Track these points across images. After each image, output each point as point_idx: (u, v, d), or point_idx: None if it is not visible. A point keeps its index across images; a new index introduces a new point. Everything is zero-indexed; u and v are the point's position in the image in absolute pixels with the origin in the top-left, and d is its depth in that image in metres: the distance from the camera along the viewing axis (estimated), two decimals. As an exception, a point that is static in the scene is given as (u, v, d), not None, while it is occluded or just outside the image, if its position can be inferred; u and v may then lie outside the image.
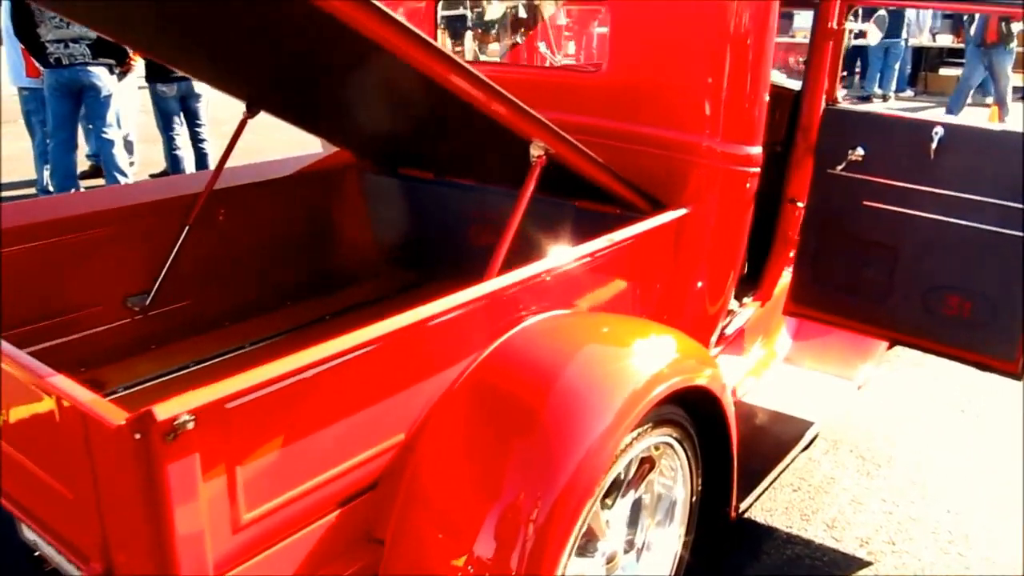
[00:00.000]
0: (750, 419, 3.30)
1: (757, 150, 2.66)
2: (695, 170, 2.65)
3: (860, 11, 3.46)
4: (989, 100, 13.01)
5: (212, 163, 7.24)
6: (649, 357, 2.09)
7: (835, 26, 3.20)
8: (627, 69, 2.74)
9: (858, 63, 14.94)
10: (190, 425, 1.37)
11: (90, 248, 2.63)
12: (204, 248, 2.88)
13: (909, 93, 14.25)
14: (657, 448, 2.22)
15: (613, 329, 2.25)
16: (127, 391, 2.44)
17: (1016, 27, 10.61)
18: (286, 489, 1.67)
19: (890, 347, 3.70)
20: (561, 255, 2.23)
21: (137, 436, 1.36)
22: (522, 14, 4.08)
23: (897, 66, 13.45)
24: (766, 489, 3.02)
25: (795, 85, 3.67)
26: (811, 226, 3.34)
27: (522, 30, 4.07)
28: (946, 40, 14.95)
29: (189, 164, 7.21)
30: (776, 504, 3.18)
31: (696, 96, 2.61)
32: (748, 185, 2.69)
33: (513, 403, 1.92)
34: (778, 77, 4.15)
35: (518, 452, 1.84)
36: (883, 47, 13.10)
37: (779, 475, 3.14)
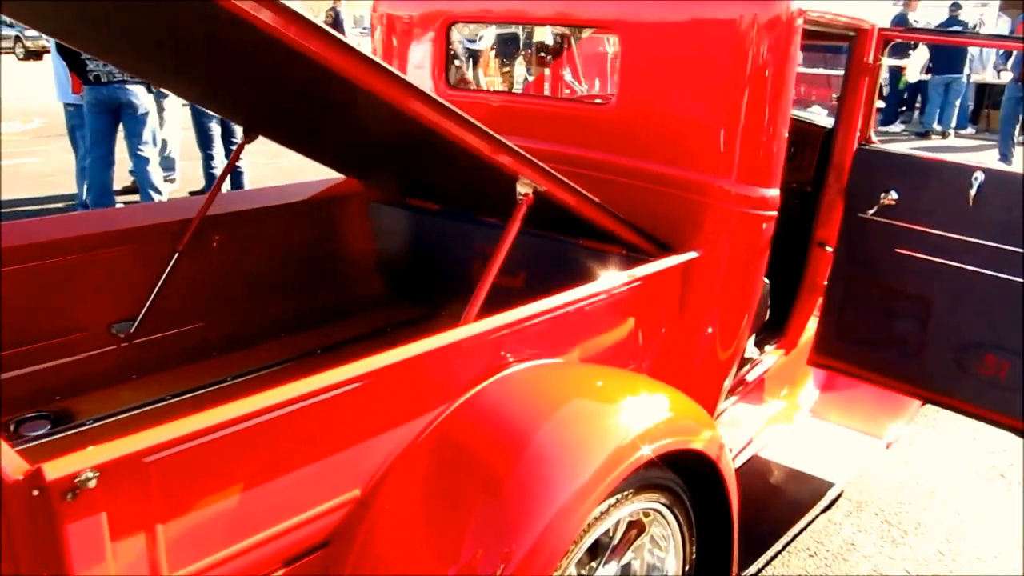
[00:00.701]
0: (766, 476, 3.10)
1: (774, 192, 2.48)
2: (706, 212, 2.48)
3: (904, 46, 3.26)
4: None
5: (248, 183, 7.25)
6: (635, 417, 1.93)
7: (871, 61, 3.01)
8: (637, 103, 2.59)
9: (918, 98, 14.57)
10: (92, 483, 1.25)
11: (77, 272, 2.56)
12: (196, 275, 2.79)
13: (970, 130, 13.80)
14: (647, 514, 2.04)
15: (600, 384, 2.09)
16: (96, 423, 2.35)
17: None
18: (222, 547, 1.54)
19: (924, 403, 3.46)
20: (549, 300, 2.08)
21: (35, 492, 1.24)
22: (548, 40, 3.96)
23: (958, 103, 13.03)
24: (777, 554, 2.81)
25: (829, 122, 3.49)
26: (840, 272, 3.14)
27: (548, 58, 3.94)
28: (1010, 77, 14.47)
29: (228, 183, 7.22)
30: (789, 570, 2.96)
31: (709, 133, 2.45)
32: (764, 229, 2.51)
33: (477, 462, 1.77)
34: (814, 114, 3.95)
35: (477, 516, 1.69)
36: (944, 82, 12.71)
37: (794, 538, 2.93)
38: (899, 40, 3.04)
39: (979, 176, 2.78)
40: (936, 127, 13.15)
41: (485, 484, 1.73)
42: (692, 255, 2.48)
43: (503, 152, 1.97)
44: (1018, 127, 11.02)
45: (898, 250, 2.98)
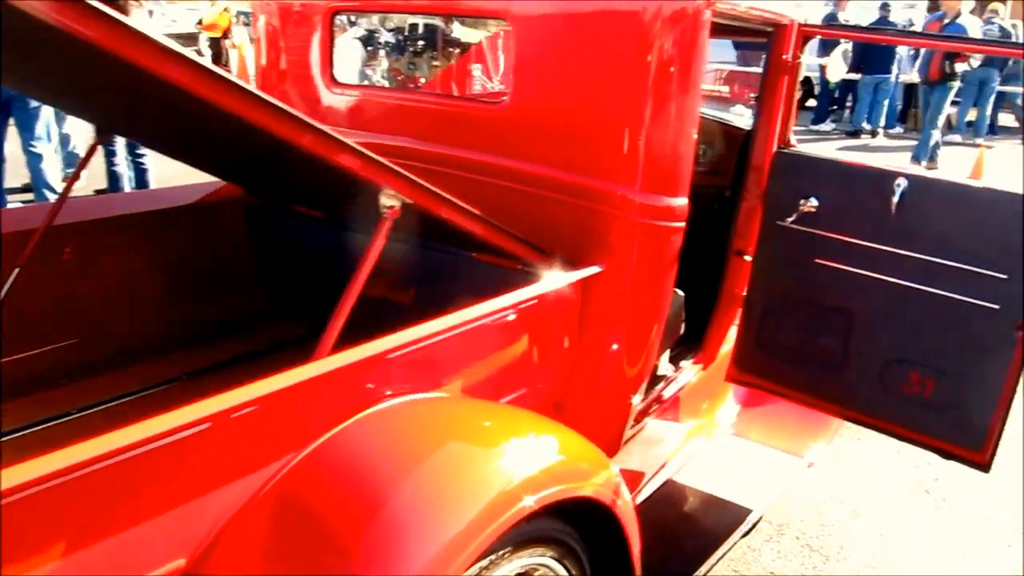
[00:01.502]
0: (680, 504, 2.89)
1: (682, 202, 2.26)
2: (609, 223, 2.25)
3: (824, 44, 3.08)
4: (980, 140, 12.74)
5: (154, 182, 6.84)
6: (517, 462, 1.68)
7: (790, 58, 2.82)
8: (532, 101, 2.35)
9: (849, 97, 14.67)
10: None
11: None
12: (44, 292, 2.47)
13: (899, 130, 13.94)
14: (535, 569, 1.80)
15: (478, 423, 1.84)
16: None
17: (960, 67, 10.61)
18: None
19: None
20: (423, 327, 1.83)
21: None
22: (457, 34, 3.70)
23: (887, 103, 13.13)
24: (691, 589, 2.61)
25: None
26: (758, 283, 2.95)
27: (455, 52, 3.68)
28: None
29: (131, 182, 6.81)
30: (705, 604, 2.76)
31: (610, 137, 2.22)
32: (672, 241, 2.29)
33: (324, 524, 1.51)
34: (736, 115, 3.76)
35: (320, 590, 1.43)
36: (874, 82, 12.79)
37: (710, 569, 2.73)
38: (819, 37, 2.85)
39: (902, 182, 2.61)
40: (866, 126, 13.23)
41: (332, 550, 1.47)
42: (593, 270, 2.25)
43: (362, 161, 1.71)
44: (939, 127, 11.04)
45: (818, 260, 2.79)
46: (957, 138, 13.17)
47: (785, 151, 2.85)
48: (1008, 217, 2.47)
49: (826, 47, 12.23)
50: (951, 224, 2.57)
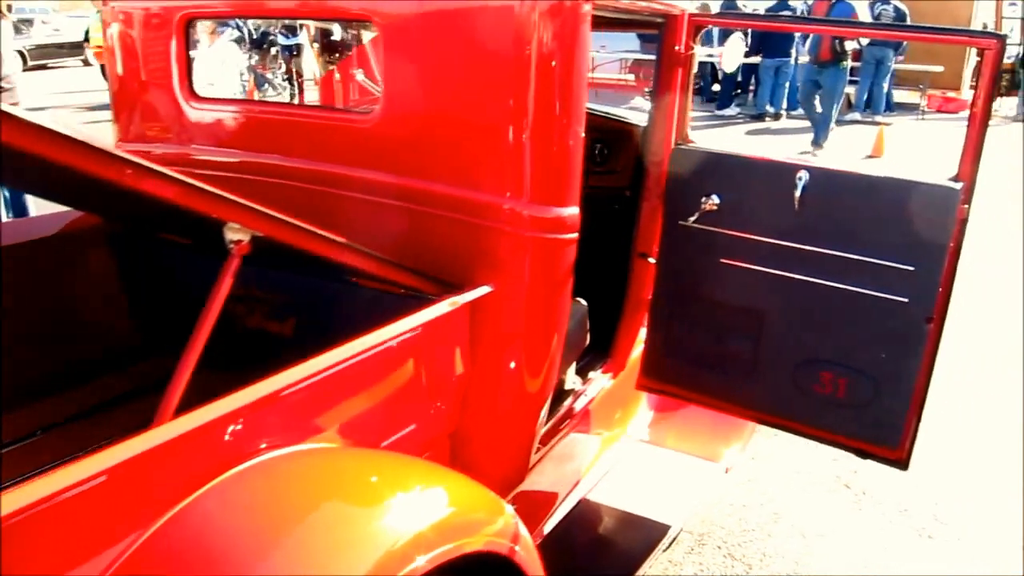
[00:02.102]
0: (595, 525, 2.75)
1: (573, 211, 2.10)
2: (495, 239, 2.07)
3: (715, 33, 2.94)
4: (879, 118, 13.05)
5: (33, 208, 6.37)
6: (400, 520, 1.49)
7: (682, 50, 2.68)
8: (405, 111, 2.15)
9: (752, 80, 14.85)
10: None
11: None
12: None
13: (800, 111, 14.16)
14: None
15: (354, 478, 1.63)
16: None
17: (849, 45, 10.47)
18: None
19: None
20: (287, 374, 1.62)
21: None
22: (337, 36, 3.46)
23: (787, 85, 13.32)
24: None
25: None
26: (663, 287, 2.82)
27: (335, 55, 3.44)
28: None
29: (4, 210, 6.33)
30: (627, 629, 2.61)
31: (491, 145, 2.03)
32: (565, 253, 2.12)
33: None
34: (636, 109, 3.62)
35: None
36: (775, 66, 12.96)
37: (629, 591, 2.59)
38: (711, 26, 2.72)
39: (803, 176, 2.50)
40: (769, 109, 13.40)
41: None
42: (481, 291, 2.06)
43: (197, 196, 1.48)
44: (836, 108, 10.82)
45: (723, 260, 2.67)
46: (856, 115, 13.46)
47: (683, 147, 2.71)
48: (911, 206, 2.39)
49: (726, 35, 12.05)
50: (855, 216, 2.48)
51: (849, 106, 13.84)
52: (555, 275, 2.12)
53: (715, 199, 2.63)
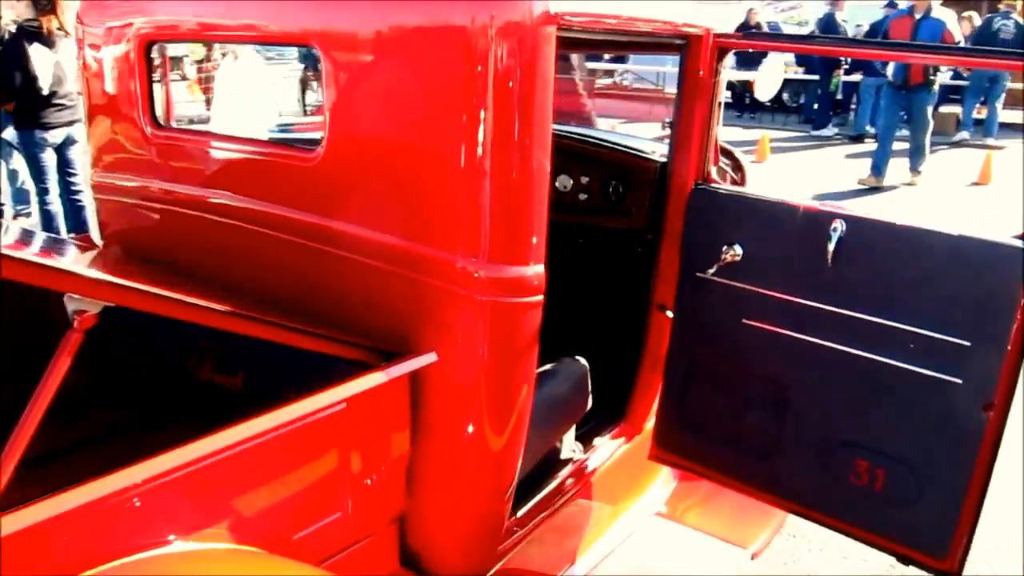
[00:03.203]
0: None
1: (536, 270, 1.77)
2: (445, 301, 1.77)
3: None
4: (990, 141, 12.12)
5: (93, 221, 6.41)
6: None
7: (705, 75, 2.33)
8: (350, 148, 1.87)
9: (854, 99, 14.11)
10: None
11: None
12: None
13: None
14: None
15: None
16: None
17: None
18: None
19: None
20: (173, 455, 1.37)
21: None
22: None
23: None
24: None
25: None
26: (678, 345, 2.46)
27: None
28: (944, 77, 14.06)
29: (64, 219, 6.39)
30: None
31: (441, 192, 1.74)
32: (528, 319, 1.80)
33: None
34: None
35: None
36: (877, 84, 12.21)
37: None
38: (740, 49, 2.35)
39: (839, 225, 2.11)
40: (870, 130, 12.63)
41: None
42: (426, 360, 1.76)
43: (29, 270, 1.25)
44: (929, 132, 9.70)
45: (746, 321, 2.30)
46: (966, 135, 12.57)
47: (703, 188, 2.36)
48: (969, 268, 1.97)
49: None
50: (900, 277, 2.07)
51: (958, 125, 12.96)
52: (515, 344, 1.80)
53: (737, 249, 2.27)
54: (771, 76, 2.41)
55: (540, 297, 1.78)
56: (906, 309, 2.05)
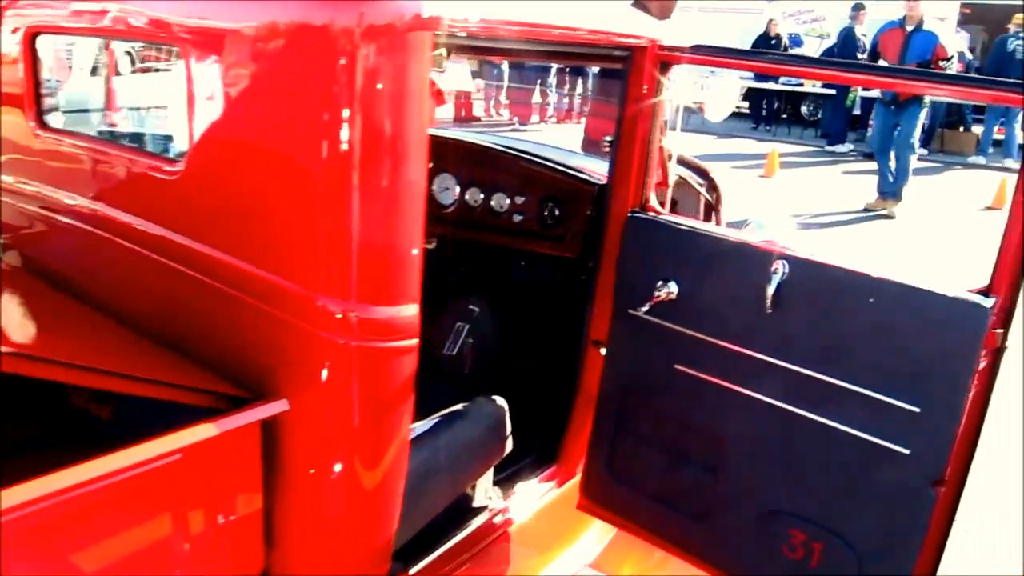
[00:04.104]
0: None
1: (410, 311, 1.54)
2: (302, 342, 1.54)
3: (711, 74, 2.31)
4: (1009, 162, 11.77)
5: None
6: None
7: (646, 91, 2.09)
8: (214, 162, 1.64)
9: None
10: None
11: None
12: None
13: (923, 151, 12.97)
14: None
15: None
16: None
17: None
18: None
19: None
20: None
21: None
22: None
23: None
24: None
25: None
26: (608, 387, 2.24)
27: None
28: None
29: None
30: None
31: (302, 219, 1.50)
32: (399, 365, 1.57)
33: None
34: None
35: None
36: (894, 100, 11.88)
37: None
38: (687, 64, 2.11)
39: (781, 267, 1.87)
40: (887, 147, 12.30)
41: None
42: (276, 408, 1.53)
43: None
44: (915, 154, 8.81)
45: (679, 367, 2.06)
46: (981, 160, 12.23)
47: (639, 216, 2.12)
48: (923, 324, 1.73)
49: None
50: (847, 329, 1.83)
51: (977, 148, 12.62)
52: (384, 394, 1.57)
53: (673, 287, 2.03)
54: (723, 95, 2.17)
55: (415, 341, 1.55)
56: (851, 366, 1.80)
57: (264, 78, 1.52)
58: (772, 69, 2.48)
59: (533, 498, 2.42)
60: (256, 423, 1.52)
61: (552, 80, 13.54)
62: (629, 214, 2.12)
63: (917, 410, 1.73)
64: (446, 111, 13.63)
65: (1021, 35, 11.18)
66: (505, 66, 13.73)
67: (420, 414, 2.11)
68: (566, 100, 14.10)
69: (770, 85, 14.82)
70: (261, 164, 1.56)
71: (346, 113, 1.42)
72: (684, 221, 2.10)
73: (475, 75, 14.61)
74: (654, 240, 2.09)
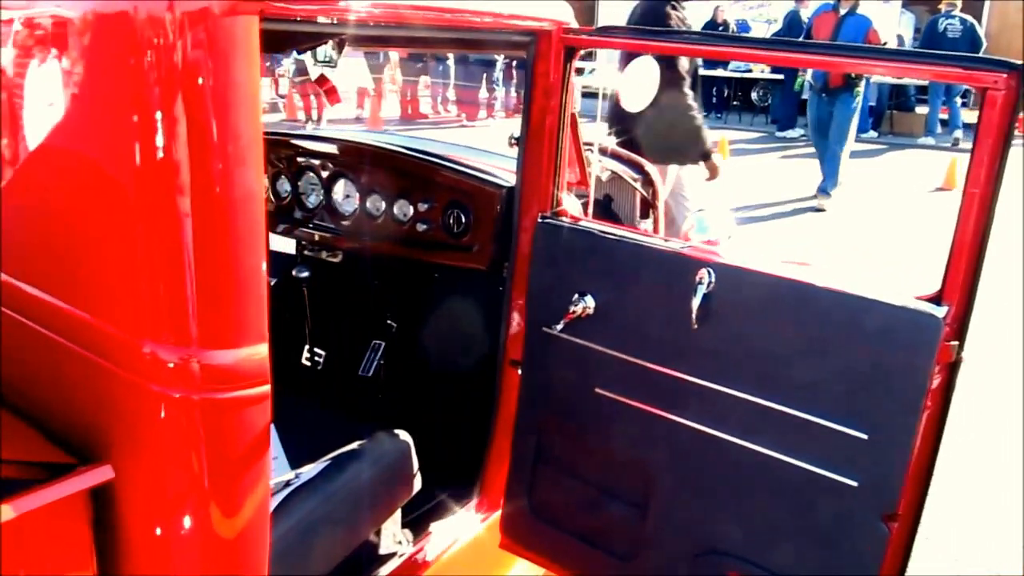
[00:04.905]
0: None
1: (258, 352, 1.27)
2: (132, 395, 1.27)
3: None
4: (958, 133, 11.74)
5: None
6: None
7: (553, 79, 1.86)
8: (26, 174, 1.37)
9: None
10: None
11: None
12: None
13: (872, 134, 12.95)
14: None
15: None
16: None
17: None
18: None
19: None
20: None
21: None
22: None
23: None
24: None
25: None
26: (526, 415, 1.99)
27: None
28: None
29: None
30: None
31: (120, 245, 1.24)
32: (251, 416, 1.31)
33: None
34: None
35: None
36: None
37: None
38: (593, 48, 1.87)
39: (706, 276, 1.64)
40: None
41: None
42: (98, 477, 1.27)
43: None
44: (847, 144, 8.06)
45: (599, 390, 1.83)
46: (930, 140, 12.22)
47: (549, 221, 1.88)
48: (874, 340, 1.51)
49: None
50: (783, 346, 1.61)
51: (927, 130, 12.61)
52: (233, 451, 1.31)
53: (589, 301, 1.80)
54: (640, 81, 1.93)
55: (267, 388, 1.29)
56: (788, 388, 1.58)
57: (74, 78, 1.25)
58: (683, 50, 2.26)
59: (451, 536, 2.17)
60: (77, 494, 1.25)
61: (498, 75, 13.31)
62: (538, 219, 1.88)
63: (864, 436, 1.51)
64: (391, 109, 13.37)
65: (952, 14, 11.14)
66: (451, 62, 13.50)
67: (330, 442, 1.86)
68: (514, 94, 13.87)
69: (719, 72, 14.72)
70: (71, 182, 1.29)
71: (159, 115, 1.15)
72: (598, 226, 1.86)
73: (421, 72, 14.36)
74: (567, 249, 1.85)
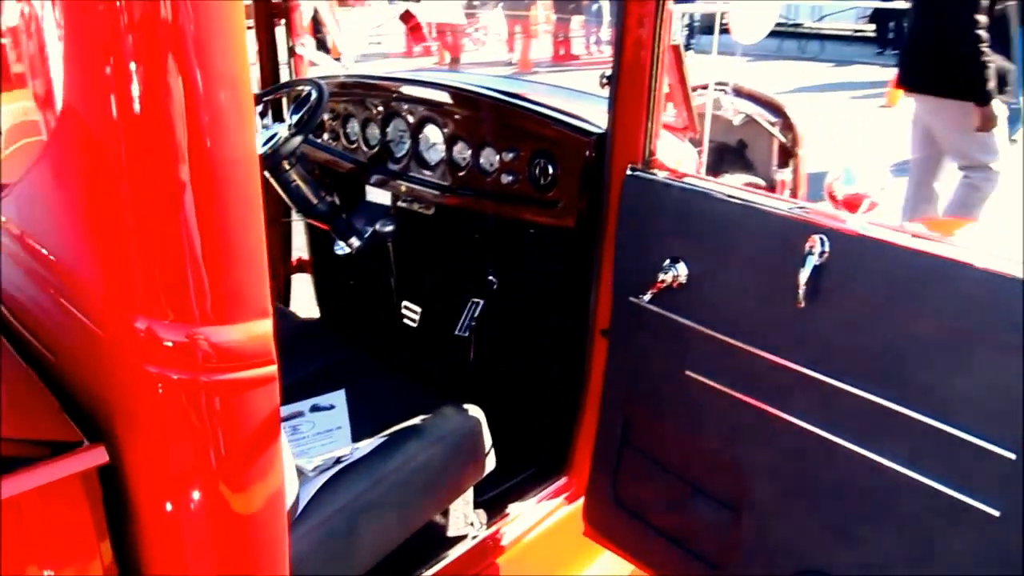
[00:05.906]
0: None
1: (262, 328, 1.10)
2: (128, 375, 1.13)
3: None
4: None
5: None
6: None
7: (648, 9, 1.57)
8: (17, 136, 1.25)
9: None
10: None
11: None
12: None
13: None
14: None
15: None
16: None
17: None
18: None
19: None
20: None
21: None
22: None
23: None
24: None
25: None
26: (612, 394, 1.77)
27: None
28: None
29: None
30: None
31: (106, 205, 1.09)
32: (256, 399, 1.15)
33: None
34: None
35: None
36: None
37: None
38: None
39: (819, 244, 1.34)
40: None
41: None
42: (90, 460, 1.14)
43: None
44: None
45: (690, 373, 1.57)
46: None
47: (640, 174, 1.61)
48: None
49: None
50: (916, 336, 1.29)
51: None
52: (240, 437, 1.15)
53: (681, 268, 1.54)
54: (756, 13, 1.60)
55: (273, 368, 1.13)
56: (917, 387, 1.28)
57: (50, 24, 1.11)
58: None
59: (531, 519, 1.99)
60: (75, 475, 1.14)
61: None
62: (627, 172, 1.62)
63: (1012, 456, 1.19)
64: (542, 50, 13.07)
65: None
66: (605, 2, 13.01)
67: (403, 414, 1.71)
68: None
69: (900, 4, 13.45)
70: (54, 136, 1.15)
71: (133, 65, 0.98)
72: (695, 181, 1.57)
73: (574, 12, 13.93)
74: (659, 207, 1.58)
